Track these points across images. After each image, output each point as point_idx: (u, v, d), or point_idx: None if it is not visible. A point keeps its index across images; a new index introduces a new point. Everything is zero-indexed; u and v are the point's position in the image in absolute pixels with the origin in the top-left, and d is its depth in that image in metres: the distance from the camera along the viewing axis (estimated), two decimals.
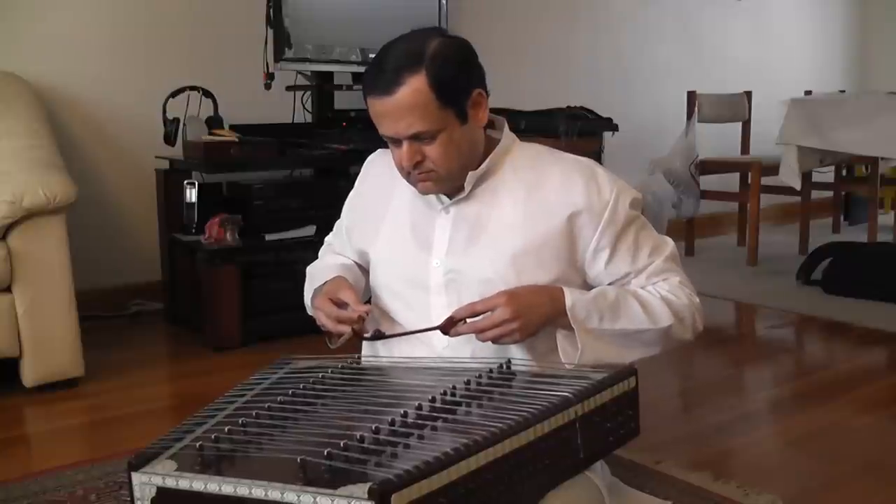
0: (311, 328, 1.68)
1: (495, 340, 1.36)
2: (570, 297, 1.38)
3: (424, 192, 1.45)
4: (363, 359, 1.50)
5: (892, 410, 2.34)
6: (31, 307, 2.36)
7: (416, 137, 1.36)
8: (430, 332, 1.44)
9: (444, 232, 1.47)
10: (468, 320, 1.37)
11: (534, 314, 1.35)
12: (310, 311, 1.55)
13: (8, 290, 2.35)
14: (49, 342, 2.39)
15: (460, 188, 1.46)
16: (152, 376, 2.65)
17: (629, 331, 1.41)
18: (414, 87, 1.33)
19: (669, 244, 1.52)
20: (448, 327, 1.38)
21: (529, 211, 1.44)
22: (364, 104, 1.43)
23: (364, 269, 1.64)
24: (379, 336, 1.46)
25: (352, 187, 1.67)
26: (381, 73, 1.35)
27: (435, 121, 1.35)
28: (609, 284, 1.47)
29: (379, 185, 1.58)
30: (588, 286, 1.48)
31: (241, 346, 2.84)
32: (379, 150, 1.63)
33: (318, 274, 1.60)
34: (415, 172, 1.40)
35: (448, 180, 1.43)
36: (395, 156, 1.42)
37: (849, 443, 2.07)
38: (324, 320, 1.46)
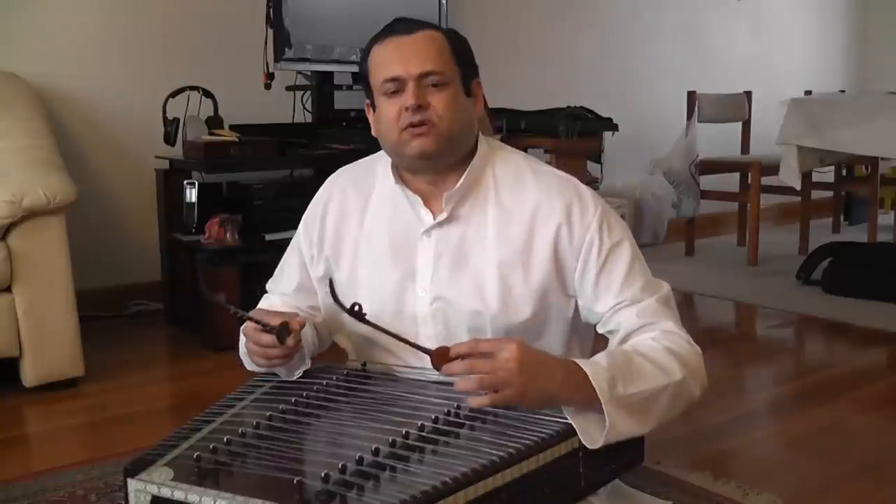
0: None
1: (485, 390, 1.22)
2: (588, 366, 1.24)
3: (419, 151, 1.36)
4: (368, 365, 1.48)
5: (892, 410, 2.33)
6: (31, 307, 2.36)
7: (424, 77, 1.34)
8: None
9: (426, 258, 1.41)
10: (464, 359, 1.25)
11: (540, 377, 1.22)
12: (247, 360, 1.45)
13: (8, 290, 2.35)
14: (49, 342, 2.39)
15: (440, 208, 1.41)
16: (152, 376, 2.65)
17: (649, 391, 1.27)
18: (433, 35, 1.38)
19: (664, 286, 1.42)
20: (441, 359, 1.27)
21: (513, 237, 1.39)
22: (363, 104, 1.42)
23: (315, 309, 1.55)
24: (359, 316, 1.30)
25: None
26: (399, 22, 1.39)
27: (447, 67, 1.36)
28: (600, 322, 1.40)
29: (348, 206, 1.50)
30: (579, 314, 1.43)
31: None
32: (336, 171, 1.57)
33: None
34: (415, 119, 1.33)
35: (445, 141, 1.36)
36: (390, 111, 1.36)
37: (848, 443, 2.07)
38: (256, 353, 1.36)
